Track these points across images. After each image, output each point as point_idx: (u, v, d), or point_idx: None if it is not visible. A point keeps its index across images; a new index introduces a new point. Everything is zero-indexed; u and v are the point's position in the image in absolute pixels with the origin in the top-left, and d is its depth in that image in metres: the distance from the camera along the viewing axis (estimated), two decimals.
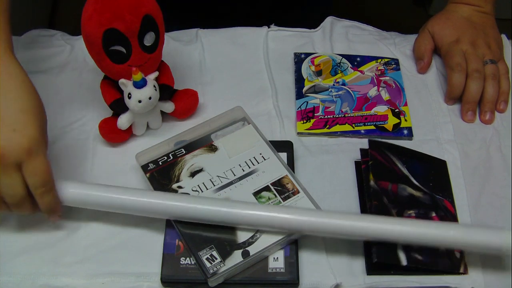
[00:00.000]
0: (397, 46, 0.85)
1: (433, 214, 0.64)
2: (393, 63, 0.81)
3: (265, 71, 0.80)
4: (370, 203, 0.64)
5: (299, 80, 0.78)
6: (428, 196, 0.66)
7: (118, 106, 0.67)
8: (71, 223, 0.63)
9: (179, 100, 0.72)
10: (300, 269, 0.61)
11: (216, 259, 0.59)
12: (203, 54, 0.82)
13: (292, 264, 0.60)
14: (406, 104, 0.76)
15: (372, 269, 0.61)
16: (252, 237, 0.60)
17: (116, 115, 0.69)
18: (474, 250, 0.61)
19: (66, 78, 0.78)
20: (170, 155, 0.67)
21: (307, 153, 0.71)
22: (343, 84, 0.78)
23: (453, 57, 0.77)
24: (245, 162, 0.66)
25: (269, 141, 0.69)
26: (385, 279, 0.61)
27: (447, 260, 0.61)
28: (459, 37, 0.79)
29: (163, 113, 0.73)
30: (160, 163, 0.66)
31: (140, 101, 0.65)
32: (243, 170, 0.66)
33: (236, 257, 0.59)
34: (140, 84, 0.65)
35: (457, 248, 0.61)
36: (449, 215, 0.65)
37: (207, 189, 0.64)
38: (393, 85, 0.78)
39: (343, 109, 0.75)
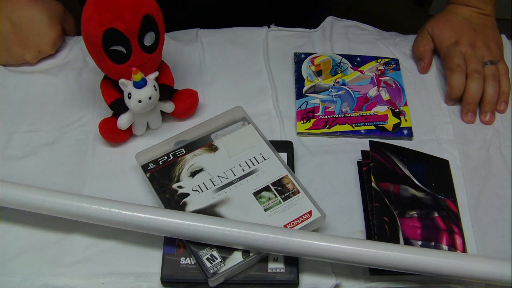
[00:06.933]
0: (397, 46, 0.85)
1: (436, 215, 0.64)
2: (393, 63, 0.81)
3: (265, 71, 0.80)
4: (371, 205, 0.64)
5: (299, 80, 0.78)
6: (430, 197, 0.66)
7: (118, 106, 0.67)
8: (71, 223, 0.62)
9: (179, 100, 0.72)
10: (300, 269, 0.61)
11: (217, 259, 0.59)
12: (203, 54, 0.82)
13: (292, 264, 0.60)
14: (406, 104, 0.76)
15: (376, 269, 0.61)
16: None
17: (116, 115, 0.69)
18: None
19: (65, 78, 0.78)
20: (170, 155, 0.67)
21: (307, 153, 0.71)
22: (343, 84, 0.78)
23: (453, 58, 0.77)
24: (245, 162, 0.66)
25: (269, 141, 0.68)
26: (386, 279, 0.61)
27: None
28: (458, 39, 0.79)
29: (163, 113, 0.73)
30: (160, 163, 0.66)
31: (140, 101, 0.65)
32: (243, 170, 0.65)
33: (236, 257, 0.59)
34: (140, 84, 0.65)
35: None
36: (451, 215, 0.65)
37: (207, 189, 0.64)
38: (393, 85, 0.78)
39: (343, 109, 0.75)
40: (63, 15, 0.80)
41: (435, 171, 0.69)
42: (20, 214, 0.63)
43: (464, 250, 0.63)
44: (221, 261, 0.59)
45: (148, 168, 0.66)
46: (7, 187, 0.61)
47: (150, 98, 0.65)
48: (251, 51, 0.83)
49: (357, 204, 0.67)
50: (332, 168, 0.70)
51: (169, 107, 0.71)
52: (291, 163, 0.68)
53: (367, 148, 0.68)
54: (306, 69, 0.80)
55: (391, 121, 0.74)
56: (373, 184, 0.65)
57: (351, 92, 0.77)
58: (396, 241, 0.61)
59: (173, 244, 0.61)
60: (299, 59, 0.81)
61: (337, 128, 0.73)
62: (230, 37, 0.84)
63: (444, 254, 0.58)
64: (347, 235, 0.64)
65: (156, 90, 0.66)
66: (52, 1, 0.79)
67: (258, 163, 0.66)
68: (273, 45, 0.84)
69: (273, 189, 0.64)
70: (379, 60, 0.81)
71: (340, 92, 0.77)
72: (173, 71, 0.71)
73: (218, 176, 0.65)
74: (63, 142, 0.72)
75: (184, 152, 0.67)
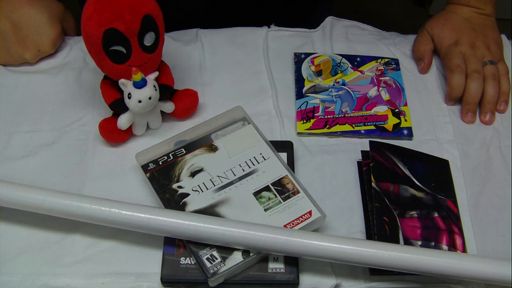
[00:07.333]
0: (397, 46, 0.85)
1: (436, 215, 0.64)
2: (393, 63, 0.81)
3: (265, 71, 0.80)
4: (371, 205, 0.64)
5: (299, 80, 0.78)
6: (430, 197, 0.66)
7: (118, 106, 0.67)
8: (71, 223, 0.62)
9: (179, 100, 0.72)
10: (300, 269, 0.61)
11: (216, 259, 0.59)
12: (203, 54, 0.82)
13: (292, 264, 0.60)
14: (406, 104, 0.76)
15: (376, 269, 0.61)
16: None
17: (116, 115, 0.69)
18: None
19: (65, 78, 0.78)
20: (170, 155, 0.67)
21: (307, 153, 0.71)
22: (343, 84, 0.78)
23: (452, 59, 0.77)
24: (245, 162, 0.66)
25: (269, 141, 0.68)
26: (386, 279, 0.61)
27: None
28: (458, 39, 0.79)
29: (163, 113, 0.73)
30: (160, 163, 0.66)
31: (140, 101, 0.65)
32: (243, 170, 0.65)
33: (236, 257, 0.59)
34: (140, 84, 0.65)
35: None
36: (451, 215, 0.65)
37: (207, 189, 0.64)
38: (393, 85, 0.78)
39: (343, 109, 0.75)
40: (63, 15, 0.80)
41: (435, 171, 0.69)
42: (20, 214, 0.63)
43: (464, 250, 0.63)
44: (221, 261, 0.59)
45: (148, 168, 0.66)
46: (7, 187, 0.61)
47: (150, 98, 0.65)
48: (251, 51, 0.83)
49: (357, 204, 0.67)
50: (332, 168, 0.70)
51: (169, 107, 0.71)
52: (291, 163, 0.68)
53: (367, 148, 0.68)
54: (306, 69, 0.80)
55: (391, 121, 0.74)
56: (373, 184, 0.65)
57: (351, 92, 0.77)
58: (396, 241, 0.61)
59: (173, 244, 0.61)
60: (299, 59, 0.81)
61: (337, 128, 0.73)
62: (230, 37, 0.84)
63: (444, 254, 0.58)
64: (347, 235, 0.64)
65: (156, 90, 0.66)
66: (52, 1, 0.79)
67: (258, 163, 0.66)
68: (273, 45, 0.84)
69: (273, 189, 0.64)
70: (379, 60, 0.81)
71: (340, 92, 0.77)
72: (173, 71, 0.71)
73: (218, 176, 0.65)
74: (63, 142, 0.72)
75: (184, 152, 0.67)
